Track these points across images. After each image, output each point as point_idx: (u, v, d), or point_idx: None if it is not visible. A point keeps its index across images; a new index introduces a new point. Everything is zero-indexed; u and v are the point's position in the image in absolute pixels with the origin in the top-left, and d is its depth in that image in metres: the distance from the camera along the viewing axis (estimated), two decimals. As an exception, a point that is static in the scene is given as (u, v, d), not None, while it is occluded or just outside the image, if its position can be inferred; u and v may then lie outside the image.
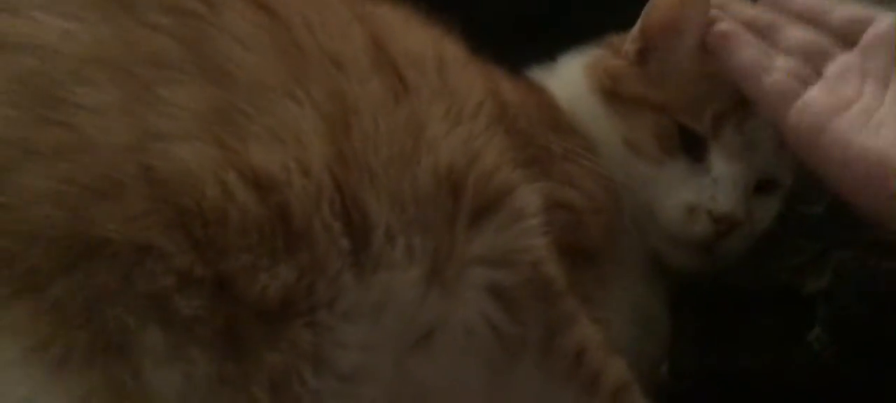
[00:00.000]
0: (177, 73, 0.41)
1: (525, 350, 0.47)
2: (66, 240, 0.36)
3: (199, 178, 0.38)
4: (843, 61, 0.54)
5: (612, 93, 0.61)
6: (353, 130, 0.44)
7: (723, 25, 0.57)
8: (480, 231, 0.47)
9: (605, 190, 0.57)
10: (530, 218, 0.49)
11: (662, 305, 0.60)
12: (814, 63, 0.54)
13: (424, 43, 0.52)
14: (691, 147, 0.58)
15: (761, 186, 0.60)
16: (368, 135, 0.44)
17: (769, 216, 0.61)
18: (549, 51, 0.69)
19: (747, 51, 0.55)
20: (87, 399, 0.35)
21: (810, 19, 0.56)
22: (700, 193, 0.57)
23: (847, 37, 0.55)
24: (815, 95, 0.52)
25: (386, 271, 0.43)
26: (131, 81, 0.40)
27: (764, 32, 0.57)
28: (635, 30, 0.63)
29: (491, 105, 0.51)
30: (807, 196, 0.65)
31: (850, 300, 0.57)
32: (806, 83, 0.53)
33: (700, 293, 0.63)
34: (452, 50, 0.54)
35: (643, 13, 0.62)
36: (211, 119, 0.40)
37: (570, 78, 0.65)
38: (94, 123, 0.38)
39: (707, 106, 0.58)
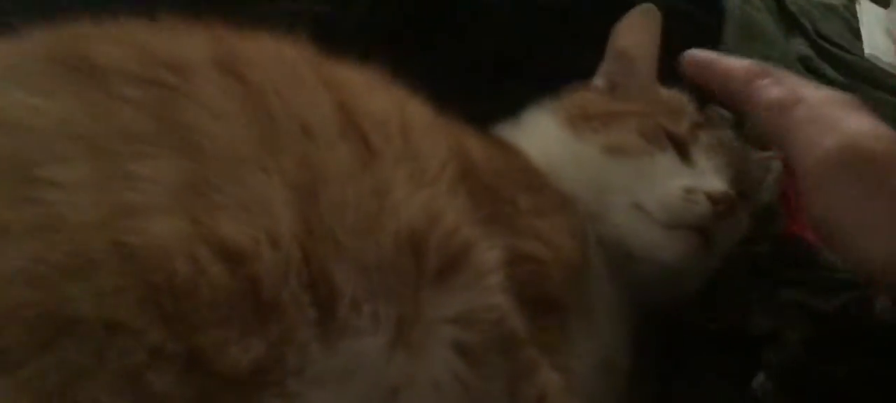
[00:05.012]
0: (147, 147, 0.41)
1: (492, 400, 0.49)
2: (40, 320, 0.36)
3: (171, 254, 0.39)
4: None
5: (586, 116, 0.66)
6: (321, 199, 0.44)
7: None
8: (444, 291, 0.48)
9: (574, 243, 0.58)
10: (491, 275, 0.50)
11: (625, 354, 0.62)
12: None
13: (389, 106, 0.53)
14: (675, 147, 0.64)
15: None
16: (336, 203, 0.45)
17: (745, 223, 0.66)
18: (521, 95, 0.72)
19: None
20: None
21: None
22: (694, 179, 0.62)
23: None
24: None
25: (352, 338, 0.43)
26: (102, 156, 0.40)
27: None
28: (601, 68, 0.70)
29: (454, 165, 0.52)
30: (753, 235, 0.67)
31: (793, 346, 0.59)
32: None
33: (657, 336, 0.65)
34: (417, 111, 0.55)
35: (607, 47, 0.70)
36: (182, 193, 0.40)
37: (538, 125, 0.69)
38: (65, 200, 0.38)
39: (681, 116, 0.65)
